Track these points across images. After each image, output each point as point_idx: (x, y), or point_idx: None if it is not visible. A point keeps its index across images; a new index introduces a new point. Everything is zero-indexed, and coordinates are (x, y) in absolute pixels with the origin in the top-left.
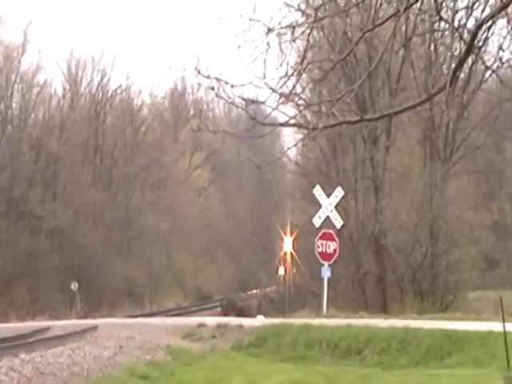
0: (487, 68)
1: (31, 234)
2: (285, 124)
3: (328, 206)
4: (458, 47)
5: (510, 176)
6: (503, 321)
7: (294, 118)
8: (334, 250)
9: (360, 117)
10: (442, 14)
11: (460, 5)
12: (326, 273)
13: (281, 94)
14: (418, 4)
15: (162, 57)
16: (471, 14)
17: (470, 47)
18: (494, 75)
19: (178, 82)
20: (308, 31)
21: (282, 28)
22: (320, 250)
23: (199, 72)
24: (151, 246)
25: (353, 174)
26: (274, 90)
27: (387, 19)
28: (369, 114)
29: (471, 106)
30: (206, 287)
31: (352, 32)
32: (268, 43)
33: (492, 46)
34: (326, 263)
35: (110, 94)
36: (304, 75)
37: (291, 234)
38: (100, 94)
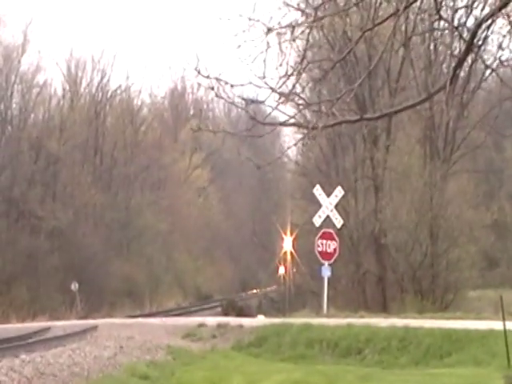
0: (487, 67)
1: (31, 234)
2: (284, 123)
3: (328, 205)
4: (458, 46)
5: (510, 175)
6: (503, 320)
7: (294, 117)
8: (334, 250)
9: (360, 116)
10: (442, 13)
11: (460, 4)
12: (326, 272)
13: (280, 94)
14: (418, 3)
15: (161, 57)
16: (471, 12)
17: (470, 46)
18: (493, 74)
19: (178, 82)
20: (308, 31)
21: (281, 28)
22: (320, 249)
23: (199, 72)
24: (151, 246)
25: (353, 173)
26: (273, 90)
27: (387, 18)
28: (369, 113)
29: (471, 105)
30: (206, 287)
31: (352, 31)
32: (268, 43)
33: (492, 45)
34: (326, 263)
35: (109, 94)
36: (304, 75)
37: (291, 234)
38: (100, 94)
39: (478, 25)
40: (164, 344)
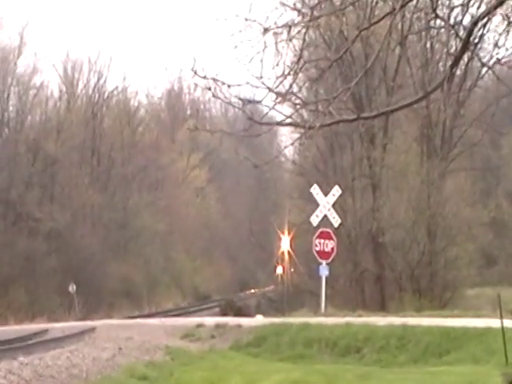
0: (483, 65)
1: (29, 236)
2: (282, 123)
3: (325, 204)
4: (454, 44)
5: (507, 173)
6: (501, 317)
7: (291, 117)
8: (332, 249)
9: (357, 115)
10: (438, 11)
11: (456, 2)
12: (323, 271)
13: (278, 94)
14: (414, 2)
15: (158, 58)
16: (467, 11)
17: (466, 44)
18: (490, 72)
19: (175, 83)
20: (304, 30)
21: (278, 27)
22: (318, 248)
23: (196, 72)
24: (149, 246)
25: (350, 172)
26: (270, 90)
27: (383, 17)
28: (366, 112)
29: (468, 103)
30: (204, 287)
31: (348, 30)
32: (265, 43)
33: (488, 43)
34: (323, 262)
35: (106, 95)
36: (300, 74)
37: (289, 233)
38: (97, 95)
39: (474, 23)
40: (162, 344)
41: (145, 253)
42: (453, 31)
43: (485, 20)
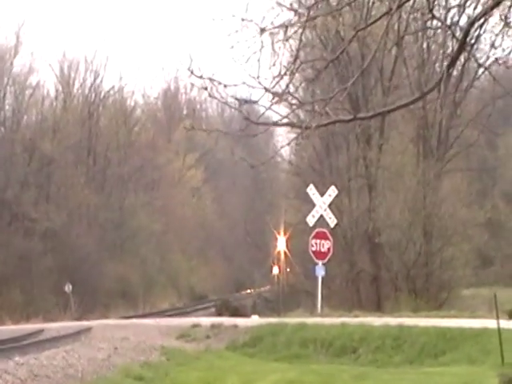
0: (480, 65)
1: (24, 236)
2: (278, 123)
3: (322, 204)
4: (451, 45)
5: (503, 173)
6: (497, 318)
7: (287, 117)
8: (328, 249)
9: (353, 115)
10: (435, 12)
11: (452, 3)
12: (320, 272)
13: (274, 94)
14: (411, 2)
15: (154, 57)
16: (463, 11)
17: (463, 45)
18: (486, 72)
19: (171, 83)
20: (301, 30)
21: (274, 28)
22: (314, 248)
23: (192, 72)
24: (145, 246)
25: (346, 172)
26: (267, 90)
27: (380, 17)
28: (362, 112)
29: (464, 103)
30: (200, 287)
31: (345, 31)
32: (261, 43)
33: (484, 44)
34: (319, 262)
35: (102, 95)
36: (297, 74)
37: (285, 234)
38: (93, 95)
39: (471, 24)
40: (158, 345)
41: (141, 253)
42: (449, 32)
43: (481, 21)
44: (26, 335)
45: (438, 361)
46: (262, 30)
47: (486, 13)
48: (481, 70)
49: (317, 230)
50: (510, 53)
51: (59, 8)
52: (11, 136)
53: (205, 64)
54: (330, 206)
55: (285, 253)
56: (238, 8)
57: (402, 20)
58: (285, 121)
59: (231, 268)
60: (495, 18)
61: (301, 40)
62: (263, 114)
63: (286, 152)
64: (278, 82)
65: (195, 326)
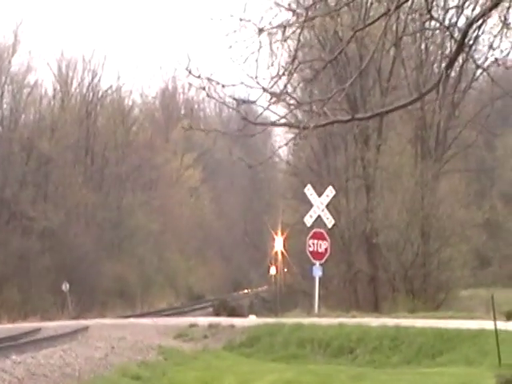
0: (478, 66)
1: (22, 234)
2: (276, 123)
3: (319, 205)
4: (449, 46)
5: (501, 174)
6: (494, 319)
7: (285, 117)
8: (326, 250)
9: (351, 116)
10: (433, 12)
11: (451, 3)
12: (317, 272)
13: (272, 94)
14: (409, 3)
15: (152, 57)
16: (462, 12)
17: (461, 46)
18: (484, 73)
19: (169, 82)
20: (299, 31)
21: (272, 28)
22: (311, 249)
23: (190, 72)
24: (143, 246)
25: (344, 173)
26: (265, 90)
27: (378, 18)
28: (360, 113)
29: (462, 104)
30: (197, 287)
31: (343, 31)
32: (259, 43)
33: (483, 45)
34: (317, 262)
35: (100, 94)
36: (295, 75)
37: (282, 234)
38: (91, 94)
39: (469, 25)
40: (155, 344)
41: (139, 252)
42: (448, 33)
43: (480, 22)
44: (23, 334)
45: (435, 361)
46: (260, 30)
47: (485, 14)
48: (479, 71)
49: (314, 231)
50: (508, 54)
51: (57, 7)
52: (9, 135)
53: (203, 64)
54: (327, 206)
55: (282, 253)
56: (236, 8)
57: (400, 21)
58: (283, 121)
59: (229, 268)
60: (494, 19)
61: (299, 40)
62: (261, 114)
63: (283, 152)
64: (276, 82)
65: (193, 325)
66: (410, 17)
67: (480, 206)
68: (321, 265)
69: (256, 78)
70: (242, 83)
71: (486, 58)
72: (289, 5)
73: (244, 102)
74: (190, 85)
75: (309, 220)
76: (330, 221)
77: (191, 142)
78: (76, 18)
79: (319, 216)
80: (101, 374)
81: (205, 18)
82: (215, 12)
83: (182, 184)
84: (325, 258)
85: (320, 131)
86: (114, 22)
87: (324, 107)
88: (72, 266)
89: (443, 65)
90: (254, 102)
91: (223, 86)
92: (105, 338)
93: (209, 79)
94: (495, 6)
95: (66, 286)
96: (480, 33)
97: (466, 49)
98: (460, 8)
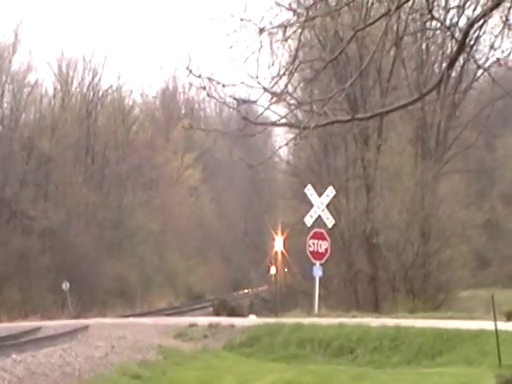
0: (479, 67)
1: (23, 234)
2: (276, 123)
3: (319, 205)
4: (450, 46)
5: (502, 175)
6: (495, 319)
7: (286, 117)
8: (326, 250)
9: (351, 116)
10: (434, 12)
11: (452, 3)
12: (317, 272)
13: (272, 94)
14: (410, 3)
15: (153, 56)
16: (463, 12)
17: (462, 46)
18: (485, 74)
19: (170, 82)
20: (299, 31)
21: (273, 28)
22: (311, 249)
23: (191, 71)
24: (143, 245)
25: (344, 173)
26: (265, 90)
27: (378, 18)
28: (360, 113)
29: (463, 104)
30: (197, 287)
31: (343, 31)
32: (260, 43)
33: (484, 45)
34: (317, 262)
35: (101, 93)
36: (295, 74)
37: (282, 234)
38: (91, 93)
39: (470, 25)
40: (155, 344)
41: (139, 252)
42: (449, 33)
43: (481, 22)
44: (24, 333)
45: (435, 362)
46: (261, 30)
47: (486, 14)
48: (480, 72)
49: (314, 231)
50: (509, 54)
51: (58, 6)
52: (9, 134)
53: (203, 63)
54: (327, 206)
55: (282, 253)
56: (237, 8)
57: (400, 21)
58: (283, 121)
59: (229, 268)
60: (495, 19)
61: (299, 40)
62: (262, 113)
63: (284, 152)
64: (276, 82)
65: (192, 325)
66: (410, 17)
67: (480, 206)
68: (321, 265)
69: (256, 77)
70: (242, 83)
71: (487, 59)
72: (289, 5)
73: (244, 101)
74: (191, 84)
75: (309, 220)
76: (330, 221)
77: (191, 141)
78: (76, 18)
79: (319, 216)
80: (101, 373)
81: (205, 18)
82: (216, 12)
83: (182, 184)
84: (325, 258)
85: (320, 131)
86: (115, 22)
87: (324, 107)
88: (72, 265)
89: (444, 65)
90: (254, 102)
91: (224, 86)
92: (105, 338)
93: (209, 79)
94: (496, 6)
95: (66, 285)
96: (481, 33)
97: (467, 49)
98: (461, 8)
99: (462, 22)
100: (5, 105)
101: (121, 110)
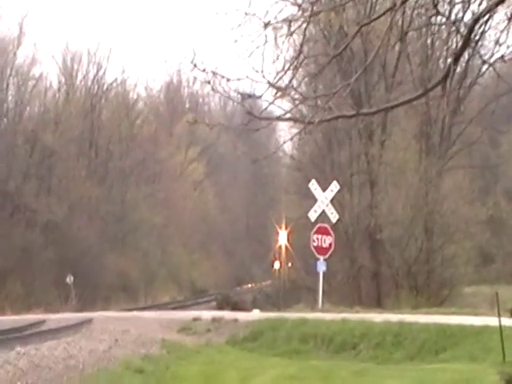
0: (484, 62)
1: (26, 227)
2: (281, 118)
3: (323, 200)
4: (455, 41)
5: (506, 171)
6: (498, 316)
7: (290, 112)
8: (330, 245)
9: (356, 111)
10: (439, 7)
11: None
12: (321, 267)
13: (277, 88)
14: None
15: (157, 50)
16: (468, 7)
17: (467, 41)
18: (490, 70)
19: (174, 76)
20: (304, 25)
21: (278, 22)
22: (315, 244)
23: (195, 66)
24: (146, 239)
25: (348, 168)
26: (270, 84)
27: (383, 13)
28: (365, 108)
29: (467, 100)
30: (201, 281)
31: (348, 26)
32: (265, 37)
33: (489, 41)
34: (321, 257)
35: (105, 87)
36: (300, 69)
37: (286, 228)
38: (95, 87)
39: (476, 20)
40: (159, 338)
41: (142, 246)
42: (454, 28)
43: (486, 17)
44: (28, 326)
45: (438, 357)
46: (266, 25)
47: (491, 9)
48: (485, 67)
49: (318, 225)
50: None
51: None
52: (13, 127)
53: (208, 58)
54: (331, 201)
55: (286, 248)
56: (242, 2)
57: (405, 16)
58: (287, 116)
59: (232, 262)
60: (500, 14)
61: (304, 35)
62: (266, 108)
63: (287, 147)
64: (281, 77)
65: (196, 319)
66: (415, 12)
67: (484, 202)
68: (325, 260)
69: (261, 72)
70: (246, 77)
71: (492, 54)
72: None
73: (249, 96)
74: (195, 78)
75: (313, 215)
76: (334, 216)
77: (195, 135)
78: (81, 11)
79: (323, 211)
80: (104, 367)
81: (210, 12)
82: (220, 6)
83: (185, 178)
84: (329, 253)
85: (324, 126)
86: (120, 15)
87: (329, 102)
88: (75, 259)
89: (449, 60)
90: (258, 97)
91: (228, 80)
92: (108, 331)
93: (214, 73)
94: (501, 1)
95: (70, 279)
96: (486, 28)
97: (472, 44)
98: (466, 3)
99: (468, 17)
100: (9, 98)
101: (125, 104)
